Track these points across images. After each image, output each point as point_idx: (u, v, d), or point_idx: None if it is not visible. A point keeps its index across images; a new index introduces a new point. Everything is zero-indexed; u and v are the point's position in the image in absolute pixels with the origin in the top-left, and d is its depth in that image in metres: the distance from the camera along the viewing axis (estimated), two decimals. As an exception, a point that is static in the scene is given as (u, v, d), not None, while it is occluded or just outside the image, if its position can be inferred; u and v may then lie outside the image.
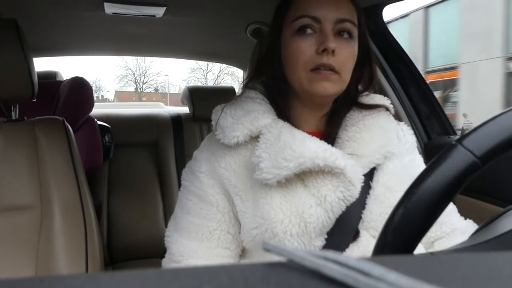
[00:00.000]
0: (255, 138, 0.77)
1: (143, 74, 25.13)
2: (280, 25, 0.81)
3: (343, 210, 0.74)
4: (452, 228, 0.80)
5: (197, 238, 0.80)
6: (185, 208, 0.83)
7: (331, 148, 0.74)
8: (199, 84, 23.64)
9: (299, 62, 0.76)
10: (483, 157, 0.41)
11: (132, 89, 25.17)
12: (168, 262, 0.83)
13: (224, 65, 21.85)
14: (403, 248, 0.42)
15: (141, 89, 25.03)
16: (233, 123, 0.78)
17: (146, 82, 25.45)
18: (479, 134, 0.42)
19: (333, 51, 0.74)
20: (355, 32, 0.79)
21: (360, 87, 0.86)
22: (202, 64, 24.47)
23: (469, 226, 0.81)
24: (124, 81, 25.34)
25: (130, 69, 25.16)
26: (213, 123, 0.83)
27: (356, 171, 0.74)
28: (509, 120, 0.42)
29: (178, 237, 0.82)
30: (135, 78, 24.93)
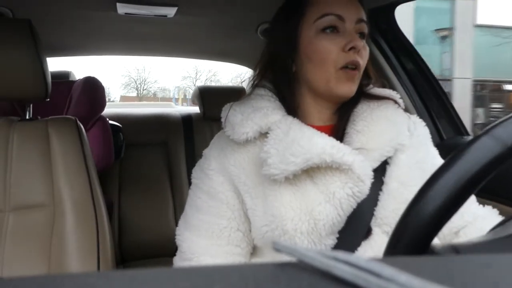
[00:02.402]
0: (263, 135, 0.78)
1: (143, 82, 30.41)
2: (298, 24, 0.81)
3: (354, 207, 0.74)
4: (473, 216, 0.79)
5: (207, 236, 0.80)
6: (195, 206, 0.84)
7: (339, 144, 0.74)
8: (188, 89, 28.57)
9: (327, 60, 0.77)
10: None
11: (134, 94, 30.21)
12: (179, 260, 0.84)
13: (210, 74, 28.09)
14: (420, 240, 0.42)
15: (142, 94, 29.96)
16: (242, 120, 0.79)
17: (145, 89, 30.82)
18: (509, 124, 0.42)
19: (359, 50, 0.77)
20: (367, 32, 0.81)
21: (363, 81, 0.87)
22: (192, 72, 29.26)
23: (489, 212, 0.80)
24: (128, 88, 30.66)
25: (132, 78, 30.46)
26: (222, 120, 0.83)
27: (364, 167, 0.74)
28: None
29: (188, 235, 0.82)
30: (137, 85, 30.27)
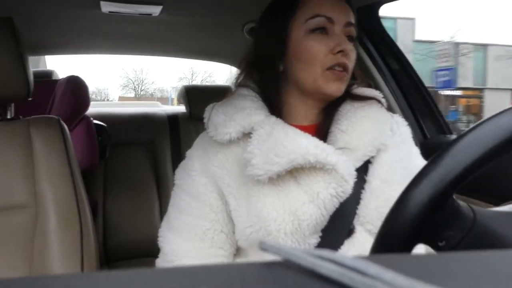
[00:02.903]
0: (247, 135, 0.78)
1: (141, 83, 30.98)
2: (288, 23, 0.81)
3: (336, 206, 0.75)
4: None
5: (190, 238, 0.80)
6: (178, 207, 0.83)
7: (322, 144, 0.75)
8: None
9: (315, 60, 0.78)
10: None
11: (132, 95, 30.83)
12: (161, 262, 0.83)
13: (206, 75, 28.62)
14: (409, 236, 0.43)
15: (140, 95, 30.39)
16: (225, 120, 0.79)
17: (143, 90, 31.32)
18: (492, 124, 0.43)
19: (347, 54, 0.78)
20: (355, 35, 0.83)
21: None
22: (188, 74, 29.80)
23: None
24: (126, 89, 31.25)
25: (130, 79, 30.98)
26: (205, 120, 0.83)
27: (348, 166, 0.75)
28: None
29: (171, 237, 0.82)
30: (134, 86, 30.87)
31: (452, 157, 0.42)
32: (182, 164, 0.87)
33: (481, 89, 17.24)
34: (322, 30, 0.79)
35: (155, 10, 1.40)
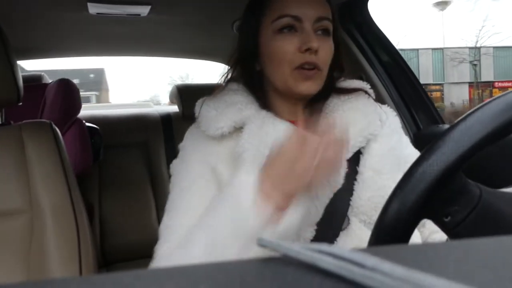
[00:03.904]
0: (238, 129, 0.78)
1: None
2: (258, 24, 0.81)
3: (330, 197, 0.75)
4: None
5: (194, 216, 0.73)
6: (178, 197, 0.80)
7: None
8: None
9: (283, 60, 0.77)
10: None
11: None
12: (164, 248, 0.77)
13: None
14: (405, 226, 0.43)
15: None
16: (216, 115, 0.79)
17: None
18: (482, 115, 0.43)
19: (316, 51, 0.76)
20: (331, 29, 0.81)
21: (334, 74, 0.87)
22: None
23: None
24: None
25: None
26: (196, 115, 0.84)
27: None
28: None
29: (173, 219, 0.77)
30: None
31: (462, 131, 0.43)
32: (178, 156, 0.86)
33: (441, 84, 23.08)
34: (290, 29, 0.78)
35: (144, 10, 1.39)
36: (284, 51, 0.77)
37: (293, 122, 0.80)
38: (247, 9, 0.85)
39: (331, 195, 0.75)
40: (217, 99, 0.83)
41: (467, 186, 0.47)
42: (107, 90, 35.38)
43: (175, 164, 0.85)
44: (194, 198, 0.78)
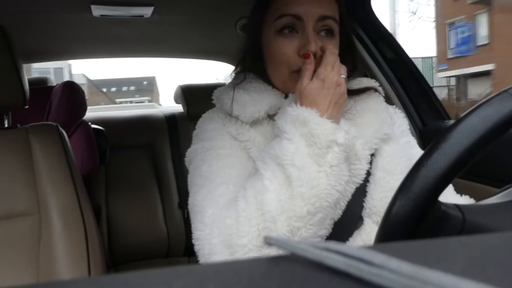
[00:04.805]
0: (270, 116, 0.79)
1: None
2: (260, 24, 0.81)
3: (351, 192, 0.75)
4: None
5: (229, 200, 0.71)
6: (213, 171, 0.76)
7: (341, 123, 0.71)
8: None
9: (282, 62, 0.77)
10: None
11: None
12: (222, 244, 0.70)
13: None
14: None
15: None
16: (253, 100, 0.78)
17: None
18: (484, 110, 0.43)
19: (314, 54, 0.73)
20: (337, 29, 0.78)
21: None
22: None
23: (466, 202, 0.82)
24: None
25: None
26: (226, 101, 0.81)
27: (363, 149, 0.76)
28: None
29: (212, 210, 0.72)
30: None
31: (448, 144, 0.42)
32: (195, 142, 0.83)
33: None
34: (291, 30, 0.76)
35: (147, 11, 1.39)
36: (283, 53, 0.76)
37: None
38: (253, 9, 0.85)
39: (352, 191, 0.75)
40: (246, 86, 0.82)
41: (448, 213, 0.45)
42: (158, 94, 38.87)
43: (194, 150, 0.82)
44: (232, 170, 0.75)
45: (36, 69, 8.75)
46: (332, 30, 0.77)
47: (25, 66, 1.10)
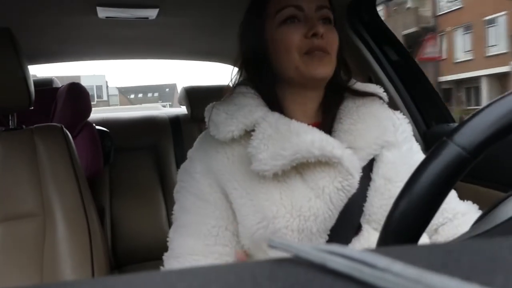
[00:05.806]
0: (248, 134, 0.78)
1: None
2: (261, 21, 0.82)
3: (344, 201, 0.74)
4: (453, 212, 0.80)
5: (195, 235, 0.79)
6: (183, 207, 0.83)
7: (327, 137, 0.74)
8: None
9: (291, 48, 0.78)
10: (473, 151, 0.41)
11: None
12: (168, 258, 0.82)
13: None
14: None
15: None
16: (227, 118, 0.78)
17: None
18: (468, 129, 0.42)
19: (321, 35, 0.77)
20: (332, 17, 0.82)
21: (343, 76, 0.87)
22: None
23: (469, 208, 0.82)
24: None
25: None
26: (206, 119, 0.83)
27: (353, 160, 0.75)
28: (497, 111, 0.42)
29: (177, 236, 0.82)
30: None
31: (471, 126, 0.42)
32: (185, 165, 0.87)
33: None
34: (293, 19, 0.79)
35: (152, 13, 1.40)
36: (291, 38, 0.78)
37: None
38: (249, 7, 0.86)
39: (345, 200, 0.75)
40: (227, 102, 0.82)
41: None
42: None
43: (182, 175, 0.86)
44: (196, 217, 0.80)
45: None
46: (329, 19, 0.81)
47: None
